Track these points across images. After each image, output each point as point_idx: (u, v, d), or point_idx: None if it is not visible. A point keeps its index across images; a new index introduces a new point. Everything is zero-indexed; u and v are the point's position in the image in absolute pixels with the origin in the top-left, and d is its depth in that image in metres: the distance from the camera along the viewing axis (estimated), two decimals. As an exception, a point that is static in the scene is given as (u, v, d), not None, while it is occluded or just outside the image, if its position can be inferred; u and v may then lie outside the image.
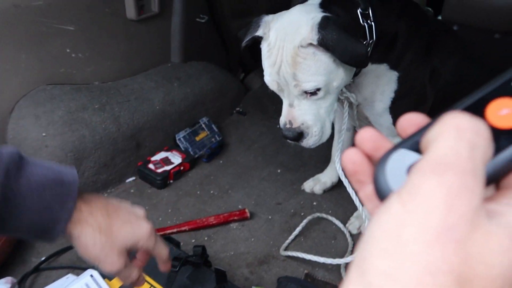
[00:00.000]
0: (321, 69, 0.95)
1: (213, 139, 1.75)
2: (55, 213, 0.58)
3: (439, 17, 2.22)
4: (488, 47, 2.18)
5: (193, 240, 1.32)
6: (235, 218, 1.39)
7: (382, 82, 1.13)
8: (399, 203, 0.21)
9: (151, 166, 1.55)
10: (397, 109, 1.14)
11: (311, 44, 0.93)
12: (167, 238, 1.12)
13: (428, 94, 1.16)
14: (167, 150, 1.63)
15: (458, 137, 0.22)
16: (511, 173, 0.25)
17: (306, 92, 0.98)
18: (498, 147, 0.24)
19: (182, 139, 1.68)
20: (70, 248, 1.25)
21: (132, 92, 1.64)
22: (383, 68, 1.11)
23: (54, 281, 1.12)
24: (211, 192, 1.53)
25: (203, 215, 1.41)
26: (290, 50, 0.94)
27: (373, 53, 1.05)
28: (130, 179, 1.56)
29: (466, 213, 0.20)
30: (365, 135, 0.29)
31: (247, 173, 1.62)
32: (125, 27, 1.67)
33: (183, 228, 1.33)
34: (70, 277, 1.13)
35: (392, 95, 1.12)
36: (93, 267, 0.97)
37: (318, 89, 0.97)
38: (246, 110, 2.01)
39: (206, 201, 1.49)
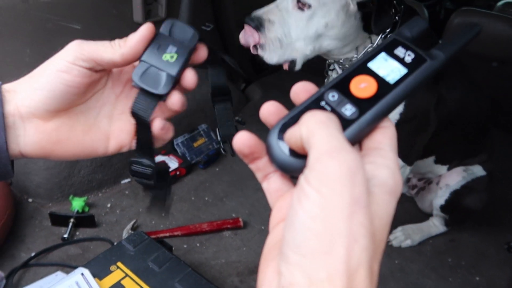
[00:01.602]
0: None
1: (210, 146, 1.75)
2: None
3: (440, 41, 2.28)
4: (486, 75, 2.23)
5: (185, 245, 1.31)
6: (228, 226, 1.39)
7: None
8: (315, 191, 0.25)
9: (147, 169, 1.55)
10: (399, 132, 1.14)
11: None
12: (160, 242, 1.11)
13: (431, 120, 1.16)
14: (164, 154, 1.63)
15: (327, 127, 0.26)
16: (373, 136, 0.30)
17: (298, 1, 0.98)
18: (361, 111, 0.30)
19: (180, 144, 1.68)
20: (61, 245, 1.24)
21: (134, 94, 1.64)
22: None
23: (42, 277, 1.11)
24: (206, 199, 1.53)
25: (196, 221, 1.41)
26: None
27: None
28: (126, 181, 1.56)
29: (363, 182, 0.25)
30: (271, 108, 0.32)
31: (242, 182, 1.63)
32: (131, 30, 1.65)
33: (175, 233, 1.33)
34: (59, 274, 1.12)
35: (397, 117, 1.12)
36: (84, 266, 0.97)
37: (309, 5, 0.98)
38: (245, 120, 2.02)
39: (200, 207, 1.49)
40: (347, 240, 0.24)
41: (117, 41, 0.39)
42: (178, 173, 1.58)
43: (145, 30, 0.39)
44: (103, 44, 0.39)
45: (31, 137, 0.38)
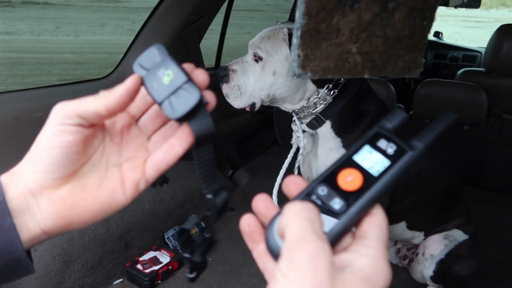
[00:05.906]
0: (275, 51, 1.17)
1: (202, 237, 1.76)
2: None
3: (411, 112, 2.41)
4: (459, 136, 2.33)
5: None
6: (224, 318, 1.35)
7: (334, 159, 1.18)
8: (283, 276, 0.28)
9: (139, 266, 1.54)
10: None
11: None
12: None
13: None
14: (155, 249, 1.63)
15: (299, 218, 0.30)
16: (361, 224, 0.32)
17: (254, 55, 1.19)
18: (348, 204, 0.32)
19: (170, 237, 1.69)
20: None
21: (123, 193, 1.69)
22: (337, 142, 1.20)
23: None
24: (200, 291, 1.51)
25: (191, 317, 1.37)
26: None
27: (340, 120, 1.16)
28: (118, 281, 1.54)
29: (327, 268, 0.28)
30: (259, 198, 0.37)
31: (236, 271, 1.61)
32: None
33: (170, 332, 1.29)
34: None
35: None
36: None
37: (261, 58, 1.18)
38: (235, 205, 2.05)
39: (194, 301, 1.46)
40: None
41: (102, 93, 0.38)
42: (170, 267, 1.57)
43: (131, 82, 0.37)
44: (86, 98, 0.37)
45: (46, 210, 0.37)
